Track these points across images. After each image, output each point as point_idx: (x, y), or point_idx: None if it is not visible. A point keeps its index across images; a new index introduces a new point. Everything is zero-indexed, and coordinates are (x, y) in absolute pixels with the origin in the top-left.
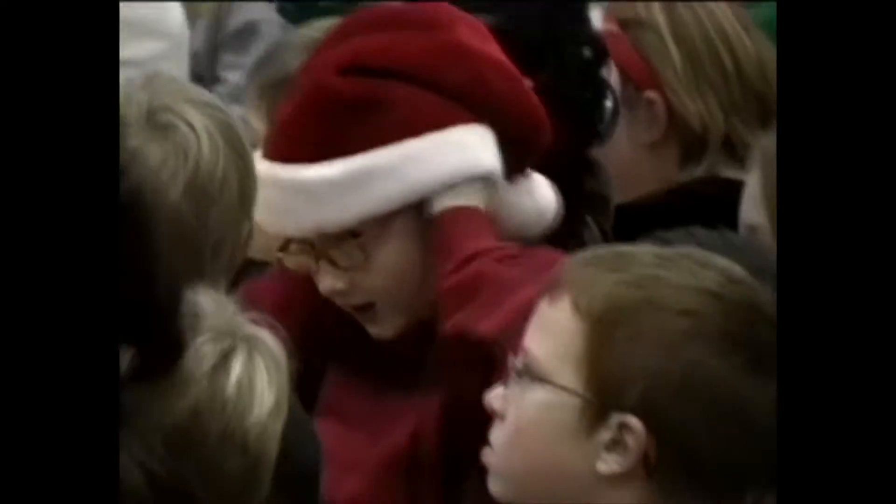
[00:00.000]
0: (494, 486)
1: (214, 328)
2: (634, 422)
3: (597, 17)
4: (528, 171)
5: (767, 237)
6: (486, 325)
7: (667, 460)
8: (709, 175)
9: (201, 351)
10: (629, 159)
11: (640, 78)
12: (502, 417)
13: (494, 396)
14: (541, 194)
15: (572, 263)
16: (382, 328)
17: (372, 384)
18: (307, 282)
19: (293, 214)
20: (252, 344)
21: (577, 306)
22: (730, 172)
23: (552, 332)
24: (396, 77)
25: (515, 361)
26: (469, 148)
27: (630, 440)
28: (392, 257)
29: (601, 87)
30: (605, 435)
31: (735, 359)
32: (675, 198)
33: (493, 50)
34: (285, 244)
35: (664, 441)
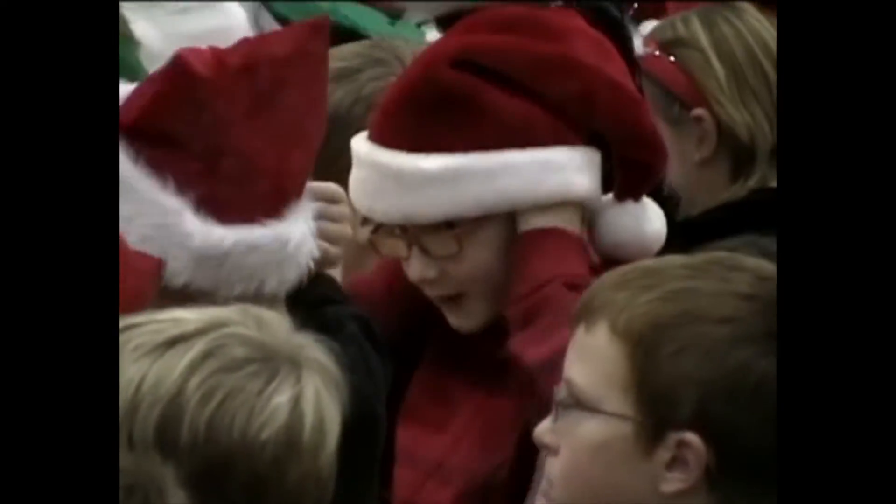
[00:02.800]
0: None
1: (277, 355)
2: (692, 437)
3: (637, 43)
4: (641, 195)
5: None
6: (532, 353)
7: (727, 468)
8: (761, 186)
9: (275, 401)
10: (681, 178)
11: (687, 96)
12: (556, 451)
13: (544, 431)
14: (649, 221)
15: (601, 287)
16: (467, 320)
17: (455, 383)
18: (398, 284)
19: (385, 199)
20: (313, 381)
21: (614, 330)
22: None
23: (593, 360)
24: (506, 81)
25: (558, 393)
26: (569, 171)
27: (690, 456)
28: (485, 251)
29: None
30: (665, 455)
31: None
32: (731, 211)
33: (613, 68)
34: (377, 227)
35: (723, 450)
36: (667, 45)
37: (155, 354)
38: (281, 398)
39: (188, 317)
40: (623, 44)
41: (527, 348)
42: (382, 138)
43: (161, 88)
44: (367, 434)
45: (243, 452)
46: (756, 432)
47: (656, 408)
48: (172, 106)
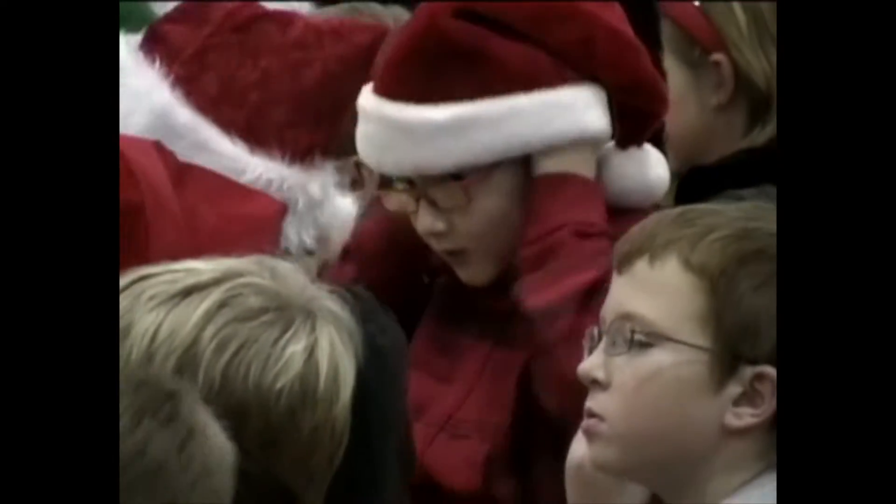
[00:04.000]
0: (606, 455)
1: (292, 305)
2: (771, 371)
3: None
4: (643, 142)
5: None
6: (537, 298)
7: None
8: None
9: (290, 349)
10: (698, 122)
11: (707, 41)
12: (606, 386)
13: (592, 367)
14: (652, 167)
15: (662, 224)
16: (475, 273)
17: (459, 335)
18: (408, 226)
19: (394, 152)
20: (327, 331)
21: (688, 264)
22: None
23: (662, 293)
24: (508, 29)
25: (614, 328)
26: (577, 110)
27: (766, 390)
28: (494, 203)
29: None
30: (735, 389)
31: None
32: (748, 158)
33: (612, 16)
34: (386, 181)
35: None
36: None
37: (170, 304)
38: (296, 347)
39: (203, 267)
40: None
41: (532, 293)
42: (389, 91)
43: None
44: (382, 385)
45: (258, 402)
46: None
47: (735, 341)
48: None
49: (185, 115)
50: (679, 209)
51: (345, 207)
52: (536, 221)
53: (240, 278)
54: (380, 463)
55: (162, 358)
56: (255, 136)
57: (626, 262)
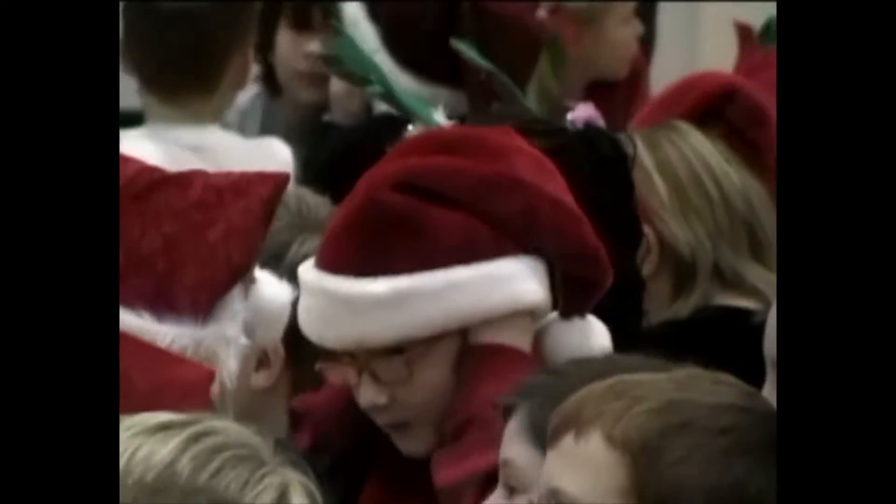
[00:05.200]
0: None
1: (261, 449)
2: None
3: None
4: (586, 312)
5: None
6: (445, 473)
7: None
8: (704, 304)
9: (266, 481)
10: None
11: None
12: None
13: None
14: (595, 338)
15: (589, 398)
16: (416, 446)
17: (407, 500)
18: (352, 397)
19: (336, 326)
20: (299, 484)
21: (610, 439)
22: (721, 300)
23: (588, 469)
24: (448, 201)
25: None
26: (516, 281)
27: None
28: (436, 375)
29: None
30: None
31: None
32: (673, 330)
33: (554, 186)
34: (329, 355)
35: None
36: None
37: (147, 434)
38: (273, 480)
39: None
40: (621, 171)
41: (442, 467)
42: (329, 265)
43: None
44: None
45: None
46: None
47: None
48: None
49: None
50: (611, 380)
51: (276, 297)
52: (461, 393)
53: (211, 420)
54: None
55: (139, 475)
56: (165, 302)
57: (554, 437)
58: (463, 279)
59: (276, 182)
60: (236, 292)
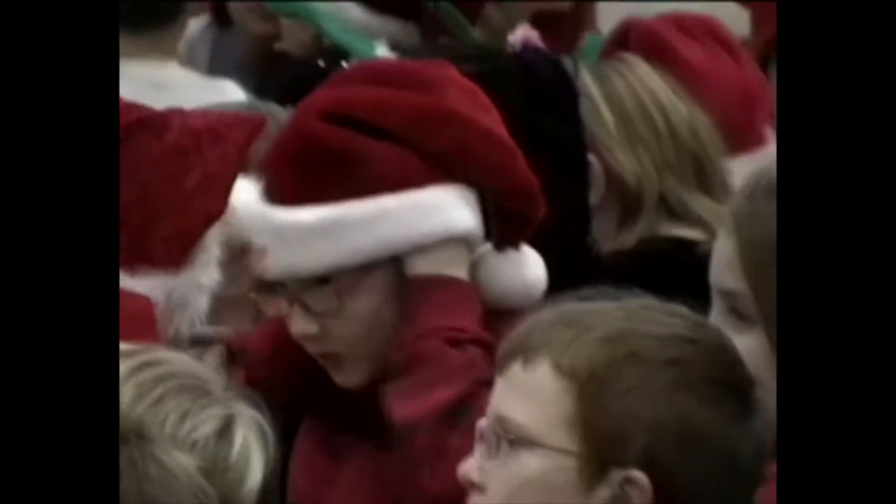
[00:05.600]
0: None
1: (209, 381)
2: (640, 475)
3: None
4: (520, 244)
5: (747, 302)
6: (402, 410)
7: None
8: (650, 234)
9: (208, 412)
10: None
11: None
12: (482, 489)
13: (469, 469)
14: (530, 269)
15: (539, 325)
16: (349, 376)
17: (342, 436)
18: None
19: (268, 255)
20: (246, 417)
21: (558, 368)
22: (667, 231)
23: (533, 396)
24: (379, 133)
25: (490, 431)
26: (445, 209)
27: (635, 494)
28: (366, 307)
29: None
30: (605, 492)
31: (723, 405)
32: (615, 261)
33: (488, 119)
34: (263, 286)
35: (666, 493)
36: None
37: None
38: (215, 411)
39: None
40: (562, 92)
41: (397, 404)
42: (265, 195)
43: None
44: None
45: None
46: (698, 479)
47: (603, 445)
48: None
49: None
50: (561, 309)
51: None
52: (407, 325)
53: (156, 351)
54: None
55: None
56: (138, 255)
57: (503, 364)
58: (392, 207)
59: (253, 126)
60: (210, 235)
